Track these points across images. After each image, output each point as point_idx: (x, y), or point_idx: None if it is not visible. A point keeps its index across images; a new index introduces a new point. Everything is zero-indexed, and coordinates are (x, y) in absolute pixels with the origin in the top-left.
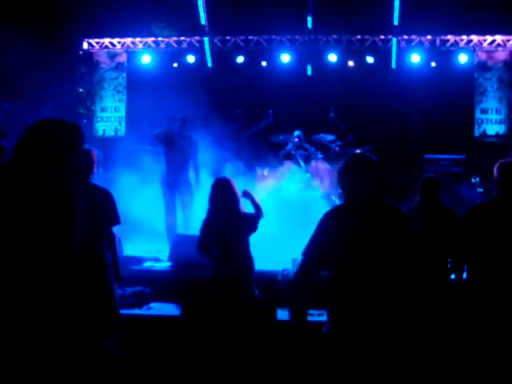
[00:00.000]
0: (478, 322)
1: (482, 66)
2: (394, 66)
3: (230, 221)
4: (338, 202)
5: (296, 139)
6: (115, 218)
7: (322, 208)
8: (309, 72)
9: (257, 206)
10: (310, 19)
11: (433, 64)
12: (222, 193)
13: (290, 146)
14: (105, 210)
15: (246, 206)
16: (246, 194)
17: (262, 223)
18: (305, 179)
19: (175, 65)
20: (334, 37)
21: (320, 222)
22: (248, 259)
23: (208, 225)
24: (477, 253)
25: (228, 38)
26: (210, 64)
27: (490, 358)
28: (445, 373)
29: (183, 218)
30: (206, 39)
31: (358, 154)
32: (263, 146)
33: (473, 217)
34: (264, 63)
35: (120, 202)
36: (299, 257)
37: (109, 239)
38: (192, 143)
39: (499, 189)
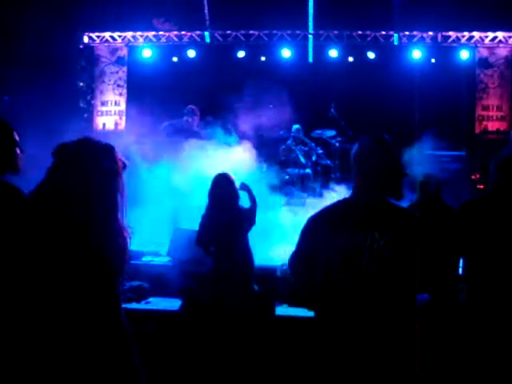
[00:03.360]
0: (476, 320)
1: (484, 63)
2: (395, 61)
3: (230, 216)
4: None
5: (294, 133)
6: None
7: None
8: (309, 67)
9: (253, 198)
10: (311, 14)
11: (434, 60)
12: (222, 188)
13: (289, 141)
14: None
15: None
16: (244, 187)
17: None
18: None
19: (175, 59)
20: (335, 32)
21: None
22: (247, 254)
23: (207, 220)
24: (472, 248)
25: (229, 32)
26: (211, 58)
27: (488, 359)
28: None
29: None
30: (206, 33)
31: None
32: (263, 141)
33: (466, 211)
34: (264, 58)
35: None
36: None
37: None
38: (198, 137)
39: (494, 183)
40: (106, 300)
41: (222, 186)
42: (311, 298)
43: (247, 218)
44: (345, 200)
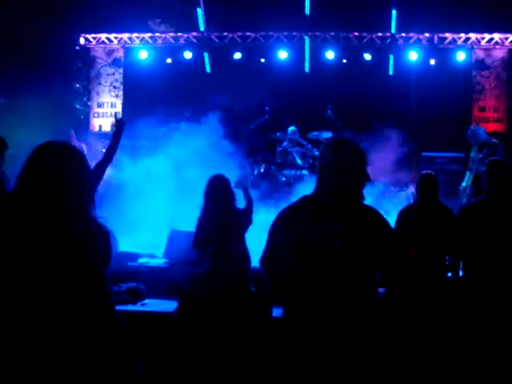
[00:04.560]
0: (477, 317)
1: (480, 64)
2: (391, 63)
3: (226, 218)
4: None
5: (291, 135)
6: None
7: None
8: (306, 69)
9: (248, 197)
10: (307, 15)
11: (431, 62)
12: (218, 190)
13: (286, 143)
14: None
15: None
16: (239, 184)
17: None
18: None
19: (169, 60)
20: (332, 34)
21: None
22: (245, 256)
23: (204, 222)
24: (471, 249)
25: (225, 34)
26: (207, 60)
27: (490, 352)
28: (444, 367)
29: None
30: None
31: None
32: (260, 143)
33: (466, 214)
34: (261, 60)
35: (117, 197)
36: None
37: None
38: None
39: (487, 186)
40: (94, 293)
41: (218, 187)
42: (279, 294)
43: (244, 218)
44: (304, 197)
